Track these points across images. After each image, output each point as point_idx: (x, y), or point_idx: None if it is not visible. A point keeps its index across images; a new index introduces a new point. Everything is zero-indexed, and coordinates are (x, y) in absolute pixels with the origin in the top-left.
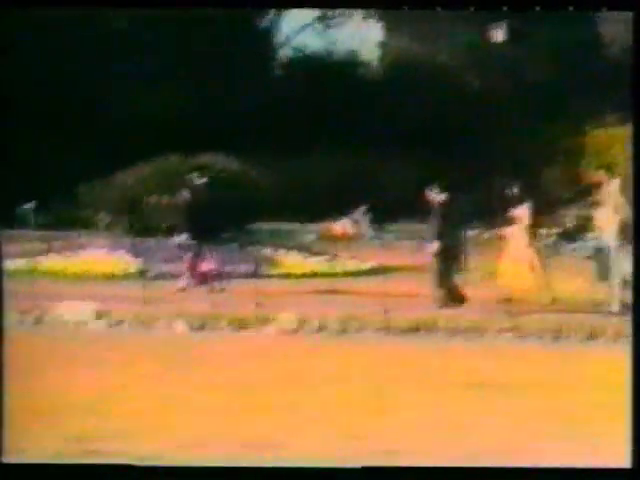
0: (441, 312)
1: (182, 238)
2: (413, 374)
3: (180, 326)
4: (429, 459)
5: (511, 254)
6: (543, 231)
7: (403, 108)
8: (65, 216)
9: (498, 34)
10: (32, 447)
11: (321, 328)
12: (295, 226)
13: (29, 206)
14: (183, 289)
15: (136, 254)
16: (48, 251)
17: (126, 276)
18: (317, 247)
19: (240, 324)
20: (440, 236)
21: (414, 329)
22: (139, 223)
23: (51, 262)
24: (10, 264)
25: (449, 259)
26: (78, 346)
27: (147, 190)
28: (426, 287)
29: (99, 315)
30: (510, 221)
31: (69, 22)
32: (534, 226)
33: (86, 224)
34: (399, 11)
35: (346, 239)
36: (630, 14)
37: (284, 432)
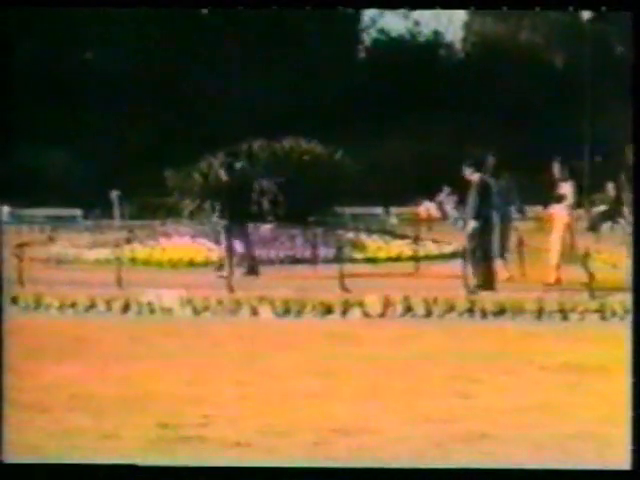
0: (527, 294)
1: (215, 220)
2: (499, 356)
3: (264, 312)
4: (514, 442)
5: (556, 233)
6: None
7: (487, 89)
8: (149, 204)
9: (583, 11)
10: (127, 435)
11: (406, 311)
12: (378, 210)
13: (114, 195)
14: (221, 276)
15: (219, 241)
16: (132, 240)
17: (209, 263)
18: (400, 230)
19: (325, 309)
20: (477, 215)
21: (499, 311)
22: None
23: (136, 251)
24: (96, 253)
25: (483, 239)
26: (164, 334)
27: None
28: (512, 269)
29: (184, 302)
30: (558, 199)
31: (160, 15)
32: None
33: (170, 212)
34: None
35: (430, 222)
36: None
37: (370, 417)
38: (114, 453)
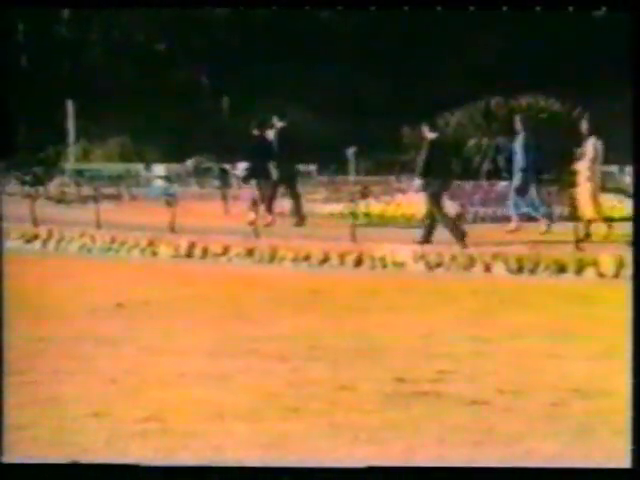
0: None
1: (240, 171)
2: None
3: (498, 269)
4: None
5: (580, 189)
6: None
7: None
8: (384, 160)
9: None
10: (363, 387)
11: None
12: (613, 168)
13: (350, 151)
14: (252, 222)
15: (453, 197)
16: (367, 195)
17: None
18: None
19: (559, 267)
20: (427, 172)
21: None
22: (458, 166)
23: (370, 206)
24: (330, 208)
25: (436, 197)
26: (398, 288)
27: (467, 132)
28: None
29: (417, 257)
30: (580, 156)
31: None
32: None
33: (405, 168)
34: None
35: None
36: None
37: (607, 379)
38: (350, 405)
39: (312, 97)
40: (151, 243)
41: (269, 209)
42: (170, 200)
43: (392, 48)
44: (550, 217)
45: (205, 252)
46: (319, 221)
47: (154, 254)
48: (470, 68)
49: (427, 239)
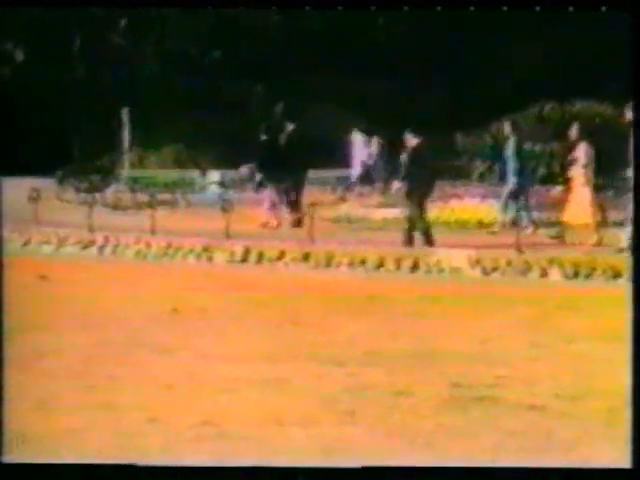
0: None
1: (256, 176)
2: None
3: (554, 274)
4: None
5: (574, 195)
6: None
7: None
8: (438, 165)
9: None
10: (420, 392)
11: None
12: None
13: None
14: (265, 225)
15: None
16: None
17: (498, 224)
18: None
19: (614, 273)
20: (409, 178)
21: None
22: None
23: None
24: (384, 213)
25: (418, 201)
26: (454, 293)
27: (522, 138)
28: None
29: (473, 262)
30: (573, 161)
31: None
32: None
33: (459, 174)
34: None
35: None
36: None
37: None
38: (407, 410)
39: (364, 104)
40: (206, 249)
41: (294, 209)
42: (226, 206)
43: (446, 54)
44: (535, 223)
45: (260, 257)
46: (373, 226)
47: (209, 260)
48: (523, 73)
49: (409, 242)
